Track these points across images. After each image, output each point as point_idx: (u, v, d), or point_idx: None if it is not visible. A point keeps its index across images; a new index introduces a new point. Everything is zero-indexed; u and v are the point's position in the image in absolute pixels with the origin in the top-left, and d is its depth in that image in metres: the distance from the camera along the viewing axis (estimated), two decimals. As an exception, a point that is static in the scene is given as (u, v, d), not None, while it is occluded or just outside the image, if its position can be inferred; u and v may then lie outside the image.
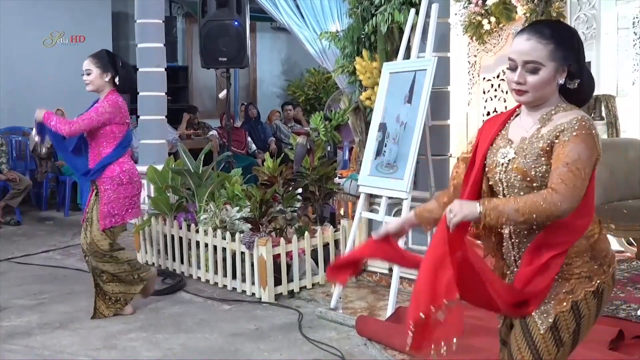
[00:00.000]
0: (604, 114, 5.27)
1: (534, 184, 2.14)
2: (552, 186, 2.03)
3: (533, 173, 2.13)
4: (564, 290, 2.14)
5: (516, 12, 5.16)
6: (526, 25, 2.30)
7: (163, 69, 7.68)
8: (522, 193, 2.16)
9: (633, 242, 5.10)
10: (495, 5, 5.24)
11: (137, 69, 7.67)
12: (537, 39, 2.12)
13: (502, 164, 2.20)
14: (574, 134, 2.06)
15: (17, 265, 6.22)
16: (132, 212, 4.62)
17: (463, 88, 5.80)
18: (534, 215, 2.02)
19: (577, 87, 2.18)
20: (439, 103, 5.01)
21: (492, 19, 5.30)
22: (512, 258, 2.25)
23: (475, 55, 5.78)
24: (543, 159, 2.11)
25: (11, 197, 8.20)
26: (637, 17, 5.45)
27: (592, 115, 5.29)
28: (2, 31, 9.42)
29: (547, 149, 2.11)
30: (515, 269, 2.24)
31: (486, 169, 2.26)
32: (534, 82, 2.13)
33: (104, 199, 4.49)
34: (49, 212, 8.88)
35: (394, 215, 4.98)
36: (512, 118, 2.30)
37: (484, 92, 5.80)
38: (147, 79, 7.54)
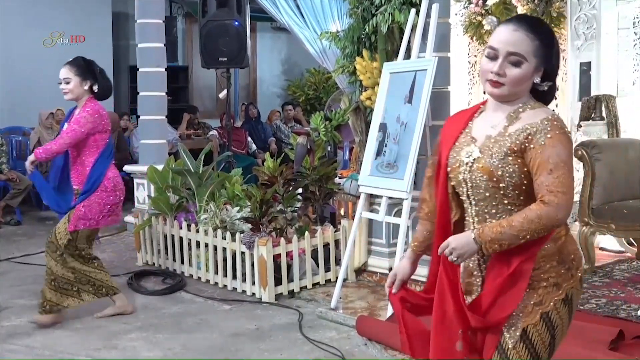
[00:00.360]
0: (604, 114, 5.27)
1: (500, 184, 2.07)
2: (542, 199, 1.98)
3: (499, 173, 2.06)
4: (532, 302, 2.09)
5: (516, 12, 5.16)
6: (511, 17, 2.24)
7: (163, 69, 7.67)
8: (487, 194, 2.10)
9: (633, 242, 5.10)
10: (496, 5, 5.25)
11: (138, 69, 7.69)
12: (525, 32, 2.06)
13: (467, 164, 2.12)
14: (548, 136, 2.01)
15: (17, 265, 6.21)
16: (107, 220, 4.55)
17: (463, 88, 5.81)
18: (536, 234, 1.99)
19: (546, 89, 2.13)
20: (439, 103, 5.01)
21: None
22: (477, 262, 2.19)
23: (475, 55, 5.79)
24: (510, 158, 2.05)
25: (11, 197, 8.21)
26: (637, 17, 5.45)
27: (593, 115, 5.30)
28: (2, 31, 9.43)
29: (515, 149, 2.05)
30: (479, 274, 2.19)
31: (448, 168, 2.18)
32: (513, 76, 2.06)
33: (85, 200, 4.45)
34: (49, 212, 8.80)
35: (394, 216, 4.98)
36: (476, 115, 2.23)
37: (484, 92, 5.80)
38: (147, 79, 7.54)
